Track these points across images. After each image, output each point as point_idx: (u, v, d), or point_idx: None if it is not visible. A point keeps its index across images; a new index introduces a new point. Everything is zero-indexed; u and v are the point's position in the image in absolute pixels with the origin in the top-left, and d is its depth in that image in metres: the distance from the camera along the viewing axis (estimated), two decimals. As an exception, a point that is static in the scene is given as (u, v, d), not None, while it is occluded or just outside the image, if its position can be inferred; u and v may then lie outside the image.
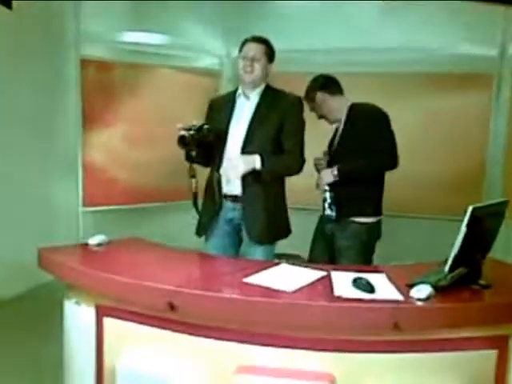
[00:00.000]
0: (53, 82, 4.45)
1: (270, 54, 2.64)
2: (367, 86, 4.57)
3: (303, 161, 2.63)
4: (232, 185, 2.57)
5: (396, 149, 2.86)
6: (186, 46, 5.07)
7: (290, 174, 2.66)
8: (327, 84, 3.03)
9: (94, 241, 2.43)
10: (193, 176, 2.55)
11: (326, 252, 3.00)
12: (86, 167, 4.61)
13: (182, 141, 2.44)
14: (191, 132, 2.44)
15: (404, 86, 4.59)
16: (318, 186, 2.94)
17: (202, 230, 2.68)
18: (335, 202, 2.90)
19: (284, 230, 2.70)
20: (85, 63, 4.58)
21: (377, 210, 2.95)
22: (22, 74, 3.96)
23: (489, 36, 4.35)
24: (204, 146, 2.52)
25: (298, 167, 2.61)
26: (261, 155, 2.48)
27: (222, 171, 2.57)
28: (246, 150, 2.53)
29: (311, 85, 3.05)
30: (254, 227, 2.55)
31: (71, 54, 4.56)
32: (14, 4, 3.57)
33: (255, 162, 2.47)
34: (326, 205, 2.93)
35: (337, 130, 3.03)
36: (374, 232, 2.94)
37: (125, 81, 4.84)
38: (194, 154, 2.49)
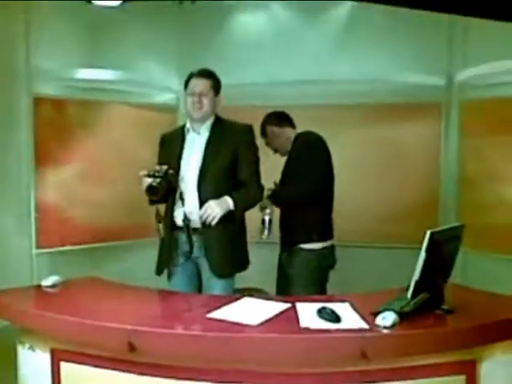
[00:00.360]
0: (4, 120, 4.33)
1: (217, 86, 2.62)
2: (321, 117, 4.69)
3: (262, 189, 2.64)
4: (193, 216, 2.51)
5: (319, 178, 2.95)
6: (142, 82, 5.05)
7: (254, 205, 2.66)
8: (276, 119, 3.18)
9: (47, 282, 2.33)
10: (159, 221, 2.51)
11: (280, 281, 3.05)
12: (40, 207, 4.46)
13: (151, 191, 2.39)
14: (158, 180, 2.39)
15: (356, 116, 4.69)
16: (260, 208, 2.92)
17: (161, 267, 2.62)
18: (281, 229, 3.00)
19: (244, 262, 2.68)
20: (37, 101, 4.48)
21: (324, 236, 2.97)
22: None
23: (435, 65, 4.52)
24: (170, 190, 2.49)
25: (259, 196, 2.62)
26: (231, 195, 2.45)
27: (198, 216, 2.46)
28: (201, 184, 2.50)
29: (263, 120, 3.20)
30: (215, 261, 2.50)
31: (23, 91, 4.46)
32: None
33: (228, 203, 2.44)
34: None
35: None
36: (325, 258, 2.96)
37: (79, 118, 4.75)
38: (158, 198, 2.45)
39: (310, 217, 2.94)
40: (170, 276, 2.62)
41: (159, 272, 2.63)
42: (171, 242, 2.56)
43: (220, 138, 2.57)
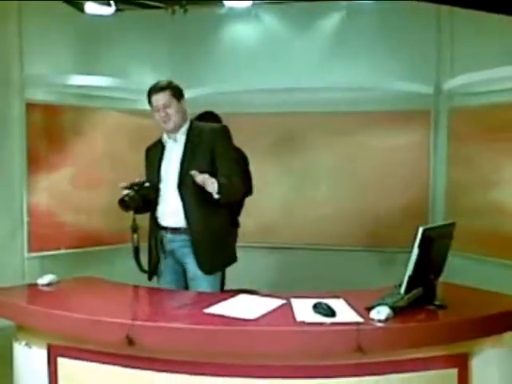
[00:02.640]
0: (-3, 124, 4.34)
1: (177, 93, 2.62)
2: (311, 124, 4.77)
3: (242, 182, 2.69)
4: (175, 216, 2.56)
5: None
6: (133, 89, 5.06)
7: (238, 195, 2.73)
8: (202, 117, 3.41)
9: (43, 280, 2.34)
10: (134, 230, 2.55)
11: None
12: (32, 212, 4.46)
13: (123, 204, 2.48)
14: (130, 194, 2.47)
15: (345, 124, 4.77)
16: None
17: (151, 271, 2.64)
18: None
19: (231, 257, 2.73)
20: (30, 107, 4.49)
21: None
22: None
23: (423, 73, 4.62)
24: (145, 202, 2.55)
25: (241, 186, 2.67)
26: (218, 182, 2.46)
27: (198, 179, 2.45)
28: (181, 187, 2.54)
29: (197, 118, 3.29)
30: (204, 259, 2.54)
31: (16, 97, 4.47)
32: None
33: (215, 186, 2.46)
34: None
35: None
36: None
37: (71, 124, 4.77)
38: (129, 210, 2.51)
39: None
40: (158, 276, 2.64)
41: (150, 277, 2.64)
42: (157, 241, 2.61)
43: (197, 141, 2.61)
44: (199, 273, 2.53)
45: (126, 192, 2.49)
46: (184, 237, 2.56)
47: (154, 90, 2.61)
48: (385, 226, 4.65)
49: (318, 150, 4.81)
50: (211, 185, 2.41)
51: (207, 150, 2.58)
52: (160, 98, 2.57)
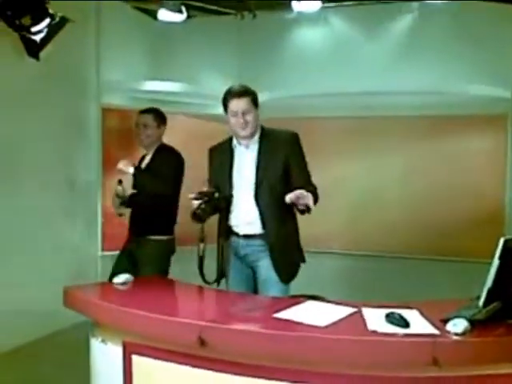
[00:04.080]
0: (74, 130, 4.55)
1: (256, 100, 2.61)
2: (382, 129, 4.66)
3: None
4: (252, 225, 2.56)
5: (169, 185, 3.37)
6: (202, 93, 5.19)
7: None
8: (162, 116, 3.60)
9: (118, 279, 2.43)
10: (202, 240, 2.54)
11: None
12: (105, 213, 4.65)
13: (196, 217, 2.46)
14: (202, 207, 2.44)
15: (416, 129, 4.64)
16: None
17: (220, 274, 2.63)
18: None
19: (302, 259, 2.71)
20: (106, 112, 4.69)
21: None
22: (45, 123, 4.06)
23: (500, 76, 4.41)
24: (216, 211, 2.57)
25: (317, 197, 2.60)
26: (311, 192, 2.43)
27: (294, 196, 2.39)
28: (258, 194, 2.54)
29: (153, 109, 3.62)
30: (283, 267, 2.54)
31: (92, 102, 4.68)
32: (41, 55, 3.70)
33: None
34: None
35: None
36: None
37: (144, 128, 4.94)
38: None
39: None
40: (227, 279, 2.65)
41: (218, 282, 2.62)
42: (228, 247, 2.61)
43: (269, 148, 2.59)
44: (272, 277, 2.53)
45: (196, 203, 2.46)
46: (259, 242, 2.56)
47: (233, 95, 2.56)
48: (454, 234, 4.48)
49: (387, 155, 4.72)
50: (307, 199, 2.35)
51: (281, 158, 2.56)
52: (240, 104, 2.54)
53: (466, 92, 4.36)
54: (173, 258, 3.52)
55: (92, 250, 4.62)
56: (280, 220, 2.54)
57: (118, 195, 3.41)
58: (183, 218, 4.72)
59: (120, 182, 3.43)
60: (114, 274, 3.09)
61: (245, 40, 5.23)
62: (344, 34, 5.00)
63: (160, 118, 3.54)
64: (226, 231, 2.63)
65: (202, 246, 2.54)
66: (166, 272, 3.34)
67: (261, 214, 2.54)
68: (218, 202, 2.52)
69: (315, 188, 2.59)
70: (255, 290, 2.65)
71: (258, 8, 5.05)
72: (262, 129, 2.68)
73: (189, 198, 2.51)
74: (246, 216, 2.57)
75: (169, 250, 3.48)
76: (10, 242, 3.72)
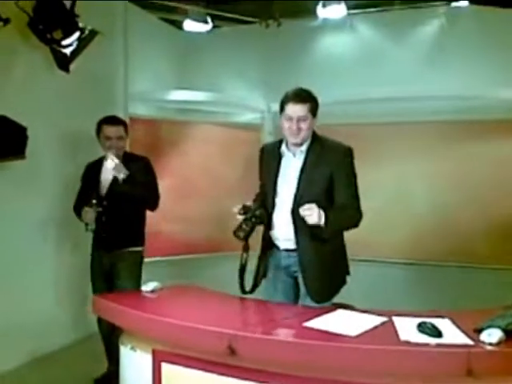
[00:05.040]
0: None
1: (315, 108, 2.46)
2: (411, 134, 4.60)
3: (361, 213, 2.45)
4: (288, 241, 2.47)
5: (157, 191, 3.35)
6: (228, 102, 5.23)
7: (350, 228, 2.49)
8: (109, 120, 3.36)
9: (147, 287, 2.45)
10: (246, 249, 2.48)
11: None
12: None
13: (237, 237, 2.39)
14: (244, 226, 2.37)
15: (449, 134, 4.55)
16: None
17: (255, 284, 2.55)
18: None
19: (341, 283, 2.57)
20: (133, 121, 4.75)
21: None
22: (74, 133, 4.14)
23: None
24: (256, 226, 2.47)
25: (356, 220, 2.44)
26: (325, 214, 2.28)
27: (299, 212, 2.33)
28: (295, 211, 2.39)
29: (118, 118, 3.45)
30: (313, 289, 2.44)
31: (120, 112, 4.73)
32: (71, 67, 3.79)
33: (321, 219, 2.27)
34: None
35: None
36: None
37: (170, 137, 5.00)
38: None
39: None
40: (266, 290, 2.58)
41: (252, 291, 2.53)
42: (266, 258, 2.55)
43: (317, 159, 2.45)
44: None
45: (239, 218, 2.38)
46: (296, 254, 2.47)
47: (291, 99, 2.41)
48: (486, 241, 4.38)
49: (419, 161, 4.64)
50: (312, 217, 2.24)
51: (327, 172, 2.42)
52: (298, 110, 2.39)
53: (495, 96, 4.27)
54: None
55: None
56: (317, 239, 2.38)
57: (94, 209, 3.11)
58: (203, 226, 4.82)
59: (95, 196, 3.16)
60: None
61: (270, 48, 5.24)
62: (370, 41, 4.97)
63: (126, 127, 3.42)
64: (268, 243, 2.55)
65: (244, 255, 2.46)
66: (139, 284, 3.15)
67: (295, 232, 2.42)
68: (261, 219, 2.43)
69: (356, 208, 2.44)
70: (295, 299, 2.55)
71: (283, 16, 5.06)
72: (314, 137, 2.51)
73: (233, 213, 2.41)
74: (283, 232, 2.47)
75: (142, 260, 3.39)
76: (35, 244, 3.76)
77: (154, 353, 2.01)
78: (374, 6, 4.86)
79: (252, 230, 2.40)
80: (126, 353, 2.16)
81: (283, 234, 2.48)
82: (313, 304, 2.41)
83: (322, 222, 2.27)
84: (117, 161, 3.07)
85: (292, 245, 2.46)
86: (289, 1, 4.87)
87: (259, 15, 5.15)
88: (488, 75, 4.40)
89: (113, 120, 3.35)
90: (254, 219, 2.38)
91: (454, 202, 4.51)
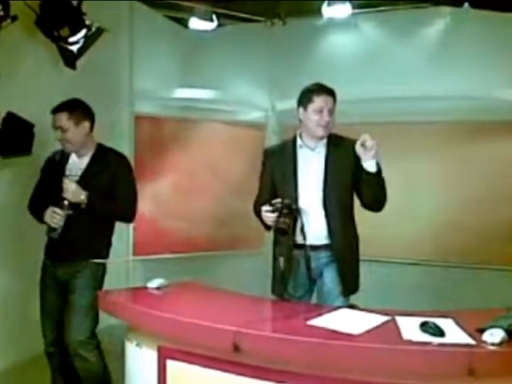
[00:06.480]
0: (108, 136, 4.62)
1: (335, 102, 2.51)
2: (415, 135, 4.60)
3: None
4: (318, 234, 2.46)
5: (132, 200, 2.89)
6: (232, 100, 5.25)
7: (381, 200, 2.60)
8: (72, 103, 2.76)
9: (153, 284, 2.46)
10: (281, 254, 2.41)
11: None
12: (137, 218, 4.71)
13: (281, 231, 2.36)
14: (285, 220, 2.32)
15: (454, 134, 4.55)
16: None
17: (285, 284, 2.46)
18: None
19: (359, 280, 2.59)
20: (138, 119, 4.78)
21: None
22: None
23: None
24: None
25: (384, 197, 2.58)
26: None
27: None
28: (327, 203, 2.44)
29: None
30: (348, 279, 2.48)
31: (125, 110, 4.77)
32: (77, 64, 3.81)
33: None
34: None
35: None
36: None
37: (175, 135, 5.02)
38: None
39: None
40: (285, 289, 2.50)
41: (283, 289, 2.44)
42: (292, 259, 2.47)
43: (339, 154, 2.49)
44: (334, 290, 2.45)
45: (272, 216, 2.34)
46: (324, 254, 2.48)
47: (322, 90, 2.47)
48: (494, 241, 4.38)
49: (422, 161, 4.65)
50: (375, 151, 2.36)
51: (350, 166, 2.45)
52: (329, 101, 2.44)
53: (500, 97, 4.28)
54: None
55: (123, 253, 4.66)
56: (346, 230, 2.47)
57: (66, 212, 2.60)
58: (206, 224, 4.83)
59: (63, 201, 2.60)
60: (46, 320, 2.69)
61: (275, 47, 5.23)
62: (375, 40, 4.96)
63: (77, 113, 2.70)
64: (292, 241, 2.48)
65: (281, 259, 2.40)
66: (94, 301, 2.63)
67: (328, 224, 2.44)
68: (297, 212, 2.39)
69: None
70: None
71: (288, 15, 5.08)
72: (330, 134, 2.55)
73: (264, 211, 2.37)
74: (313, 225, 2.44)
75: (104, 273, 2.86)
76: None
77: (159, 349, 2.03)
78: (379, 6, 4.86)
79: (294, 220, 2.37)
80: (131, 349, 2.18)
81: (311, 227, 2.44)
82: (336, 301, 2.42)
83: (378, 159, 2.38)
84: (73, 186, 2.58)
85: (320, 240, 2.46)
86: (294, 0, 4.87)
87: (264, 14, 5.17)
88: (493, 76, 4.40)
89: (55, 108, 2.73)
90: (286, 210, 2.33)
91: (459, 202, 4.51)
